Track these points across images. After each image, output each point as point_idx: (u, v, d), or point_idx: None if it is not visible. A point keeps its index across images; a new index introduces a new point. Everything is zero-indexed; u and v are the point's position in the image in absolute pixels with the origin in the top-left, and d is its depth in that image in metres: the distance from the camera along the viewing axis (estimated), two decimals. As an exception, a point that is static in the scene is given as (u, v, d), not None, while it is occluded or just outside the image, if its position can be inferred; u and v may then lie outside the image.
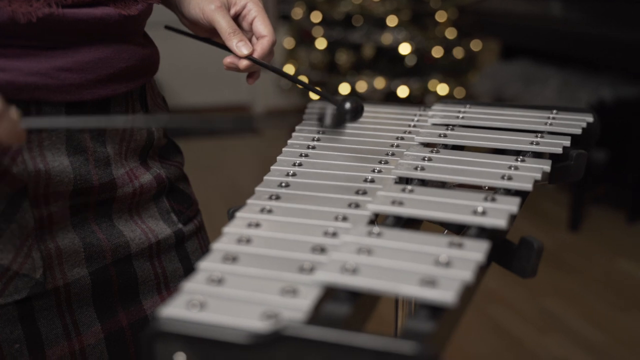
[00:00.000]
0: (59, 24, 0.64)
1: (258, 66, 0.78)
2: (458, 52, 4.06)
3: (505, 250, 0.60)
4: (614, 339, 2.14)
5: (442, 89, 3.99)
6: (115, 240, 0.73)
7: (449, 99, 4.04)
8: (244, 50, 0.75)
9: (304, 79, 4.21)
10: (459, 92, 4.05)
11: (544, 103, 3.04)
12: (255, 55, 0.76)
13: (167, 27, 0.88)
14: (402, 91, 3.93)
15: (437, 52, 4.00)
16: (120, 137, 0.73)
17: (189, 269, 0.80)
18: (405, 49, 3.92)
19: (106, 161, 0.71)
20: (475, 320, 2.22)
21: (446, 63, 4.01)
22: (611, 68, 3.04)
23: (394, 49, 3.93)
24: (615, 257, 2.69)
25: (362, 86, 3.93)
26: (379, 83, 3.91)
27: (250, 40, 0.78)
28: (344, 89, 3.97)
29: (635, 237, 2.86)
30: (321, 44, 4.09)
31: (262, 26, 0.77)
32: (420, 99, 4.03)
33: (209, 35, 0.82)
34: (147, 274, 0.76)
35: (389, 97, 3.98)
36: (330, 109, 0.57)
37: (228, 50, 0.78)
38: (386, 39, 3.92)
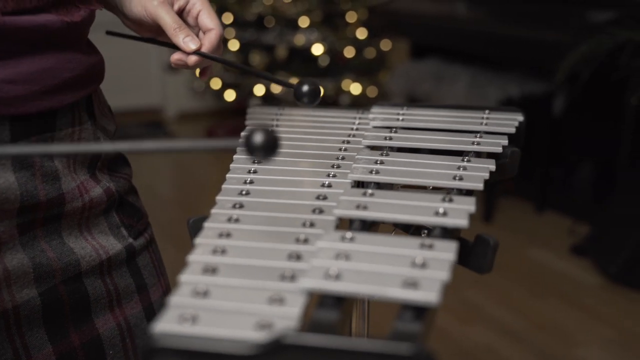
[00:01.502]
0: None
1: (209, 61, 0.77)
2: (369, 52, 4.14)
3: (461, 248, 0.63)
4: (532, 324, 2.25)
5: (355, 88, 4.06)
6: (66, 259, 0.71)
7: (362, 98, 4.13)
8: (192, 46, 0.74)
9: (217, 81, 4.18)
10: (372, 91, 4.13)
11: (455, 100, 3.16)
12: (204, 49, 0.74)
13: (109, 32, 0.86)
14: (317, 91, 3.97)
15: (349, 52, 4.06)
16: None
17: (141, 285, 0.78)
18: (317, 49, 3.96)
19: (54, 175, 0.69)
20: (401, 314, 2.27)
21: (358, 63, 4.08)
22: (517, 66, 3.18)
23: (307, 49, 3.96)
24: (526, 246, 2.83)
25: (277, 87, 3.94)
26: (294, 84, 3.93)
27: (197, 35, 0.77)
28: (259, 90, 3.97)
29: (544, 226, 3.01)
30: (234, 45, 4.07)
31: (208, 19, 0.76)
32: (334, 99, 4.08)
33: (153, 34, 0.80)
34: (98, 292, 0.74)
35: (304, 98, 4.00)
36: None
37: (175, 48, 0.76)
38: (299, 39, 3.95)
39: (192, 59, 0.74)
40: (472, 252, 0.62)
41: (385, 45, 4.20)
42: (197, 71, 0.80)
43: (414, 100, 3.60)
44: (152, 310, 0.80)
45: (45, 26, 0.65)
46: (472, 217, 0.62)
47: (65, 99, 0.69)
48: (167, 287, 0.85)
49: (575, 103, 2.99)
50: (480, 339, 2.16)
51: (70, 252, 0.72)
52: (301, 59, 3.98)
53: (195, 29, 0.77)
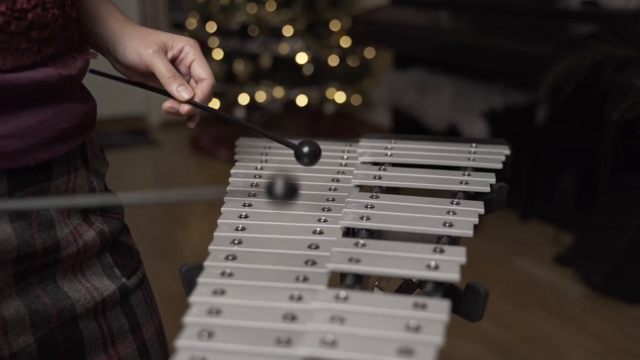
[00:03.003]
0: None
1: (198, 109, 0.78)
2: (353, 60, 4.15)
3: (452, 296, 0.63)
4: (517, 335, 2.27)
5: (340, 96, 4.07)
6: (61, 304, 0.72)
7: (347, 106, 4.14)
8: (185, 95, 0.75)
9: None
10: (356, 99, 4.14)
11: (439, 111, 3.18)
12: (197, 99, 0.76)
13: (92, 71, 0.86)
14: (301, 100, 3.98)
15: (333, 60, 4.07)
16: (62, 196, 0.71)
17: (134, 324, 0.79)
18: (302, 58, 3.97)
19: (50, 223, 0.70)
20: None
21: (342, 71, 4.09)
22: (500, 77, 3.21)
23: (291, 58, 3.97)
24: (511, 255, 2.85)
25: (261, 96, 3.94)
26: (278, 92, 3.94)
27: (187, 82, 0.78)
28: (243, 99, 3.97)
29: (528, 235, 3.04)
30: (218, 54, 4.07)
31: (200, 69, 0.78)
32: (319, 107, 4.09)
33: (142, 79, 0.81)
34: (93, 334, 0.75)
35: (289, 106, 4.01)
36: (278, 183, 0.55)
37: (163, 94, 0.78)
38: (283, 48, 3.95)
39: (185, 107, 0.75)
40: (463, 301, 0.63)
41: (369, 53, 4.21)
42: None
43: (398, 110, 3.62)
44: (145, 348, 0.81)
45: (44, 81, 0.66)
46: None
47: (62, 148, 0.70)
48: (160, 324, 0.85)
49: (558, 113, 3.02)
50: (469, 353, 2.18)
51: (65, 297, 0.72)
52: (285, 68, 3.99)
53: (187, 76, 0.78)
